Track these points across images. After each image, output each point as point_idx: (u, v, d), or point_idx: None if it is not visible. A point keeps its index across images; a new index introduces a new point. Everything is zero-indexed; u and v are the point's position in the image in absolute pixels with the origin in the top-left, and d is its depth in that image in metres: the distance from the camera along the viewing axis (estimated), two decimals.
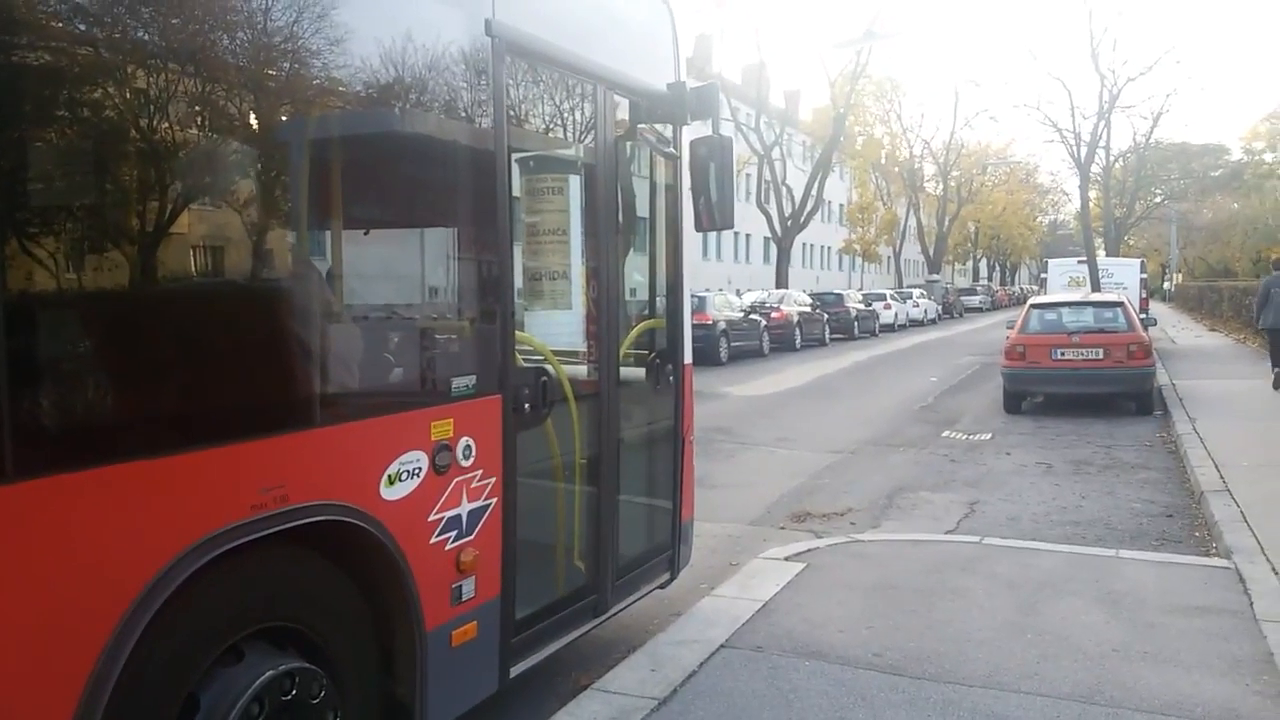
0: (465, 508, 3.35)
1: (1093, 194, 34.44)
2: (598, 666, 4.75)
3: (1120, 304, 14.08)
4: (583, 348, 4.14)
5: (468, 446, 3.34)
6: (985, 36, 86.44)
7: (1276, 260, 16.18)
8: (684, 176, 4.52)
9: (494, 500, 3.47)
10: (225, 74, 2.55)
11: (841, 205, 59.61)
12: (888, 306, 36.64)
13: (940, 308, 45.75)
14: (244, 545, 2.61)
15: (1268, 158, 51.01)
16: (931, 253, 58.71)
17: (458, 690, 3.42)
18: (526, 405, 3.61)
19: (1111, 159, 36.26)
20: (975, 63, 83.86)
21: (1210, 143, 61.66)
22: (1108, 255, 32.28)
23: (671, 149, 4.42)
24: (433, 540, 3.25)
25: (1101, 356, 13.23)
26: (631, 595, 4.63)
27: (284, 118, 2.77)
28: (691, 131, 4.43)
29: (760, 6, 61.84)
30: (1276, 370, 14.62)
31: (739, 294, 28.96)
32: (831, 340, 28.82)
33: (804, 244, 55.92)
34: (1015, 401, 13.95)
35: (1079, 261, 24.71)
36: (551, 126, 3.94)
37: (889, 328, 35.78)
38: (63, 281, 2.29)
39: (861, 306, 33.13)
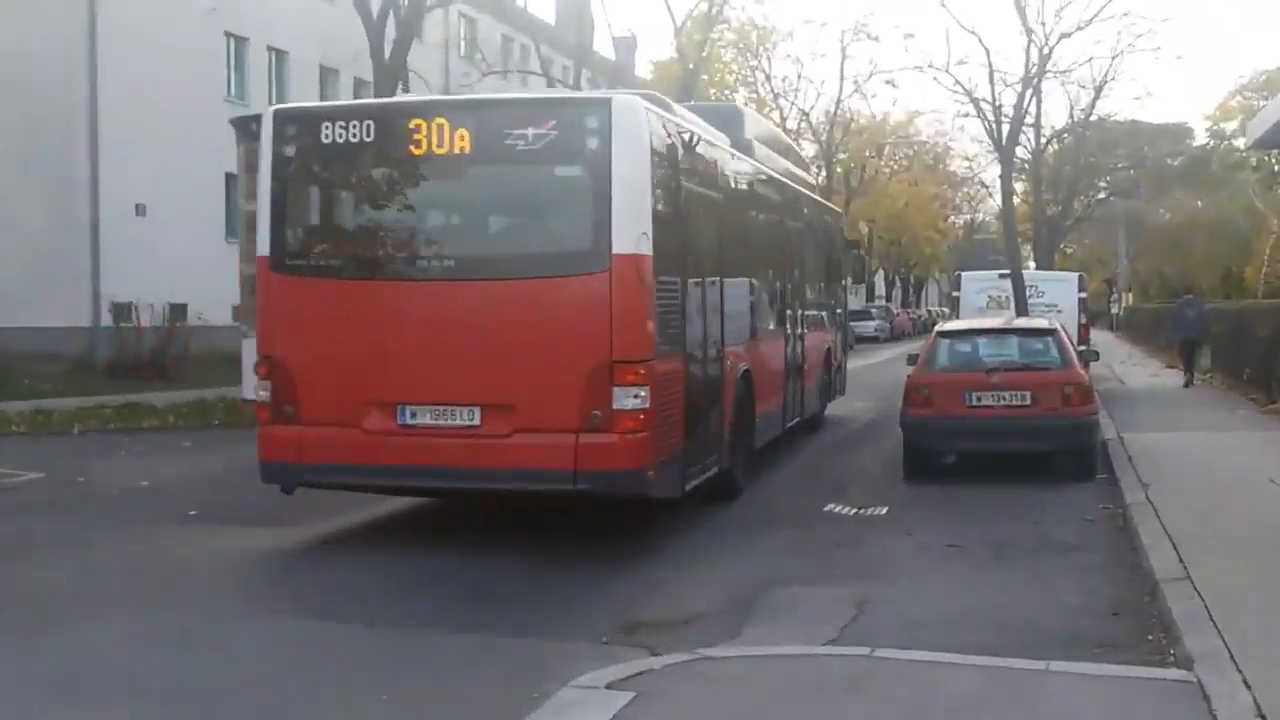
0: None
1: (1019, 187, 35.70)
2: None
3: (1052, 332, 14.80)
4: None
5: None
6: None
7: (1187, 286, 30.97)
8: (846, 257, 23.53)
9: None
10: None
11: None
12: None
13: None
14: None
15: (1240, 143, 54.03)
16: None
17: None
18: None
19: (1043, 140, 37.90)
20: (868, 9, 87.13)
21: (1169, 122, 64.89)
22: (1038, 267, 33.47)
23: (848, 247, 24.20)
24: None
25: (1029, 402, 13.83)
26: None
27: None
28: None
29: None
30: (1187, 375, 25.74)
31: None
32: None
33: None
34: (919, 462, 14.45)
35: (1000, 275, 25.64)
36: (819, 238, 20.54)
37: None
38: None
39: None
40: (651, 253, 10.53)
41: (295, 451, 10.98)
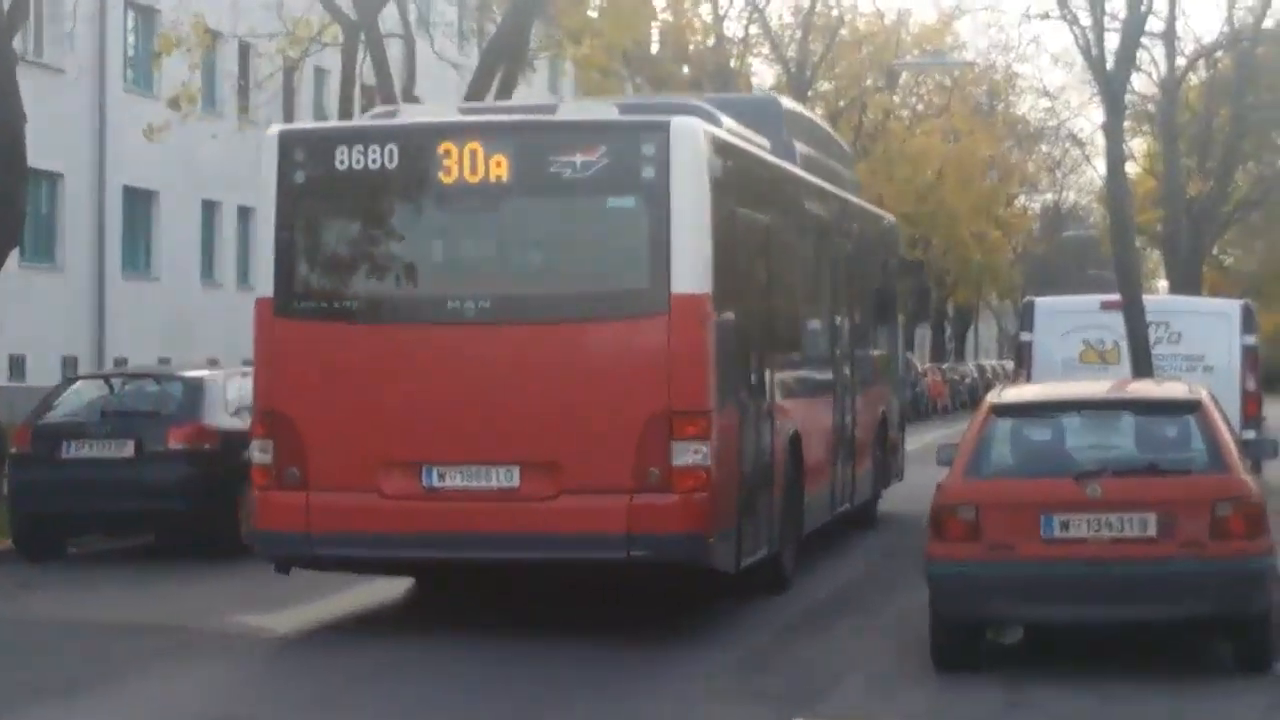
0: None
1: (1138, 145, 34.89)
2: None
3: (1195, 406, 14.39)
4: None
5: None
6: None
7: None
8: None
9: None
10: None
11: None
12: None
13: None
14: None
15: None
16: None
17: None
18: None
19: (1180, 63, 36.79)
20: None
21: None
22: (1173, 290, 33.04)
23: (907, 271, 32.79)
24: None
25: (1153, 533, 13.31)
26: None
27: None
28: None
29: None
30: None
31: None
32: None
33: None
34: (959, 643, 14.07)
35: (1104, 305, 25.41)
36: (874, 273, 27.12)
37: None
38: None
39: None
40: (712, 291, 14.60)
41: (301, 520, 14.64)
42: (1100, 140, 36.05)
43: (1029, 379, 22.99)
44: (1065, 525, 13.35)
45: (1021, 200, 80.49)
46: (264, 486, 14.75)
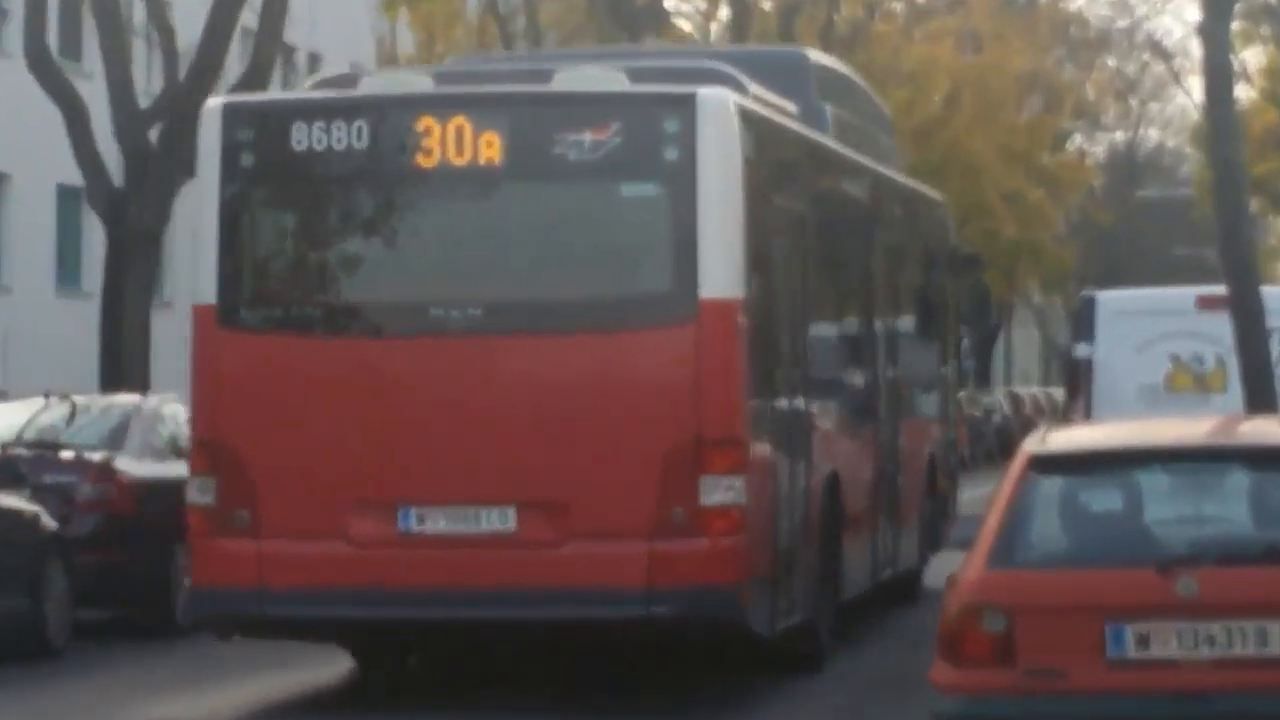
0: None
1: (1251, 57, 34.09)
2: None
3: None
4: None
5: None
6: None
7: None
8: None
9: None
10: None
11: None
12: None
13: None
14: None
15: None
16: None
17: None
18: None
19: None
20: None
21: None
22: None
23: (961, 267, 32.81)
24: None
25: (1278, 650, 11.91)
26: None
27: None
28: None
29: None
30: None
31: None
32: None
33: None
34: None
35: (1201, 302, 24.99)
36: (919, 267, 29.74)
37: None
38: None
39: None
40: (745, 296, 15.40)
41: (253, 573, 15.16)
42: (1196, 50, 34.62)
43: (1088, 415, 22.27)
44: (1144, 639, 11.89)
45: (1077, 141, 77.56)
46: (204, 534, 15.22)
